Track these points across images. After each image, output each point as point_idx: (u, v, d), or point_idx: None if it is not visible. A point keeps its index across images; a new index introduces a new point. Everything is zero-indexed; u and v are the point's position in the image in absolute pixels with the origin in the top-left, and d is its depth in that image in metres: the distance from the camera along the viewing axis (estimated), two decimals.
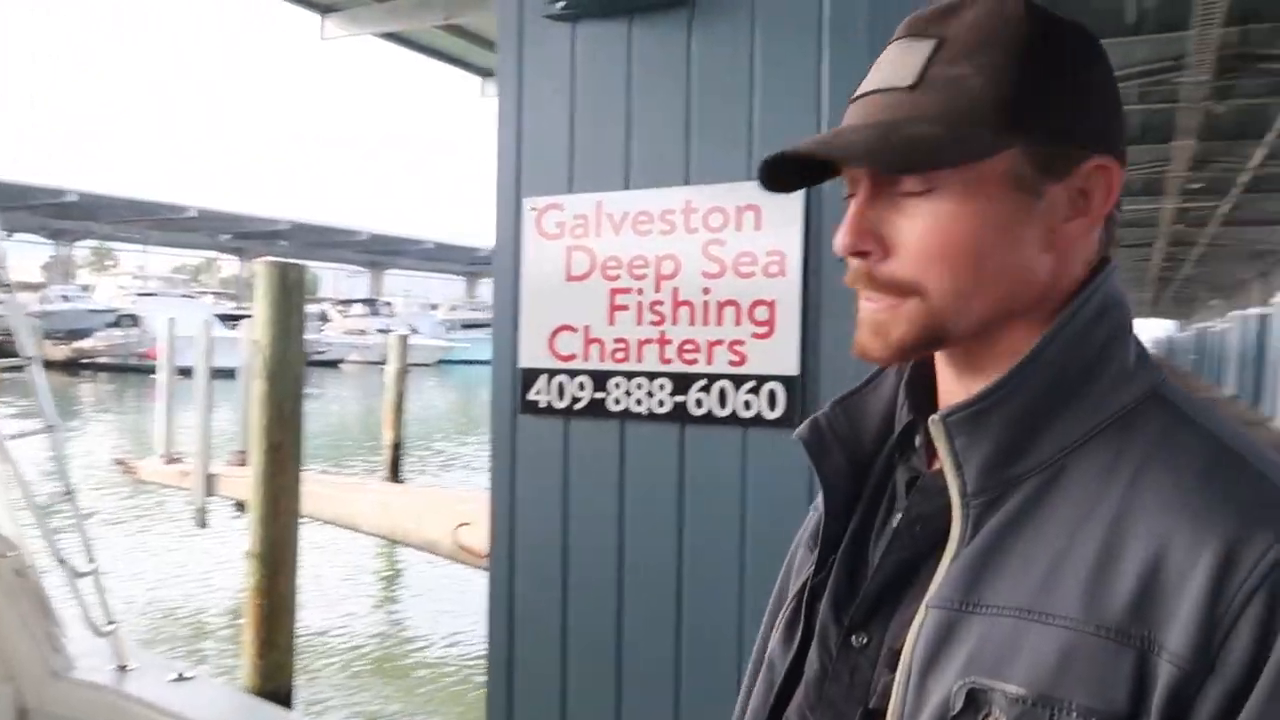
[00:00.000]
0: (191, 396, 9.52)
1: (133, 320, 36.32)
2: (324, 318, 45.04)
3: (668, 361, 2.14)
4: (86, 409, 22.78)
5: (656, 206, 2.15)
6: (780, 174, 0.73)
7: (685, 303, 2.13)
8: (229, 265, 61.45)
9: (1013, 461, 0.67)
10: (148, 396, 17.81)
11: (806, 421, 0.80)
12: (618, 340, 2.20)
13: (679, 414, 2.13)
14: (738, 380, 2.07)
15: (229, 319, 26.71)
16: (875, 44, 1.90)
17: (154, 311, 31.05)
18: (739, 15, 2.07)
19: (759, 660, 0.86)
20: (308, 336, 6.12)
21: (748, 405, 2.06)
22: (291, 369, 5.78)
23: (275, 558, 5.62)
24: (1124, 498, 0.63)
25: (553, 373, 2.27)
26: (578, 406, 2.24)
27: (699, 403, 2.11)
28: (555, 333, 2.27)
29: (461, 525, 6.31)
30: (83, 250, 58.42)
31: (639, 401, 2.17)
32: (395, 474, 12.79)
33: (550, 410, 2.27)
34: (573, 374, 2.25)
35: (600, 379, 2.21)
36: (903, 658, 0.67)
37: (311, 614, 7.19)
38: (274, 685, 5.51)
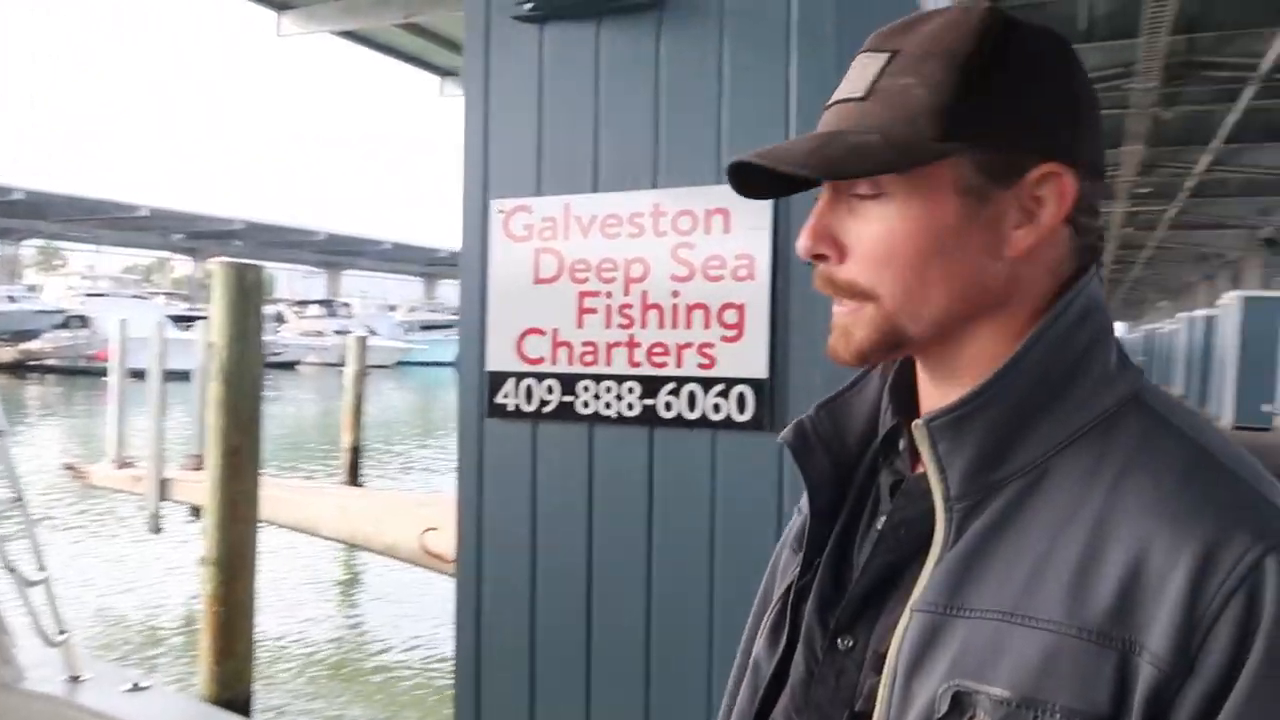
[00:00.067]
0: (144, 399, 9.33)
1: (82, 321, 35.50)
2: (280, 319, 44.42)
3: (637, 365, 2.14)
4: (34, 413, 22.21)
5: (625, 209, 2.15)
6: (755, 182, 0.74)
7: (654, 306, 2.13)
8: (182, 265, 60.33)
9: (995, 466, 0.67)
10: (98, 400, 17.42)
11: (791, 425, 0.80)
12: (586, 343, 2.19)
13: (648, 417, 2.13)
14: (707, 383, 2.08)
15: (182, 320, 26.20)
16: (842, 49, 1.93)
17: (104, 312, 30.39)
18: (708, 19, 2.08)
19: (744, 662, 0.86)
20: (264, 338, 6.02)
21: (717, 408, 2.07)
22: (250, 372, 5.69)
23: (233, 563, 5.52)
24: (1106, 501, 0.64)
25: (521, 376, 2.26)
26: (546, 410, 2.23)
27: (668, 406, 2.11)
28: (523, 336, 2.26)
29: (428, 530, 6.24)
30: (29, 250, 57.03)
31: (608, 405, 2.17)
32: (354, 477, 12.64)
33: (518, 414, 2.26)
34: (541, 377, 2.24)
35: (569, 382, 2.21)
36: (888, 661, 0.68)
37: (270, 619, 7.08)
38: (231, 693, 5.41)
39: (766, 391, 2.02)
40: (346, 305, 50.78)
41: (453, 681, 2.37)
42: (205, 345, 6.84)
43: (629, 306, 2.15)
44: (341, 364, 15.48)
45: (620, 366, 2.16)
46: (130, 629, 7.59)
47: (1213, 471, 0.64)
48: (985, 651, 0.63)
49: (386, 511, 7.10)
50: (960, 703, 0.63)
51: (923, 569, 0.68)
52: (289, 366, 38.43)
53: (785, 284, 2.02)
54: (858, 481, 0.80)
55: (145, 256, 66.62)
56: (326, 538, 7.81)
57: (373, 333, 32.12)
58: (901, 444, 0.77)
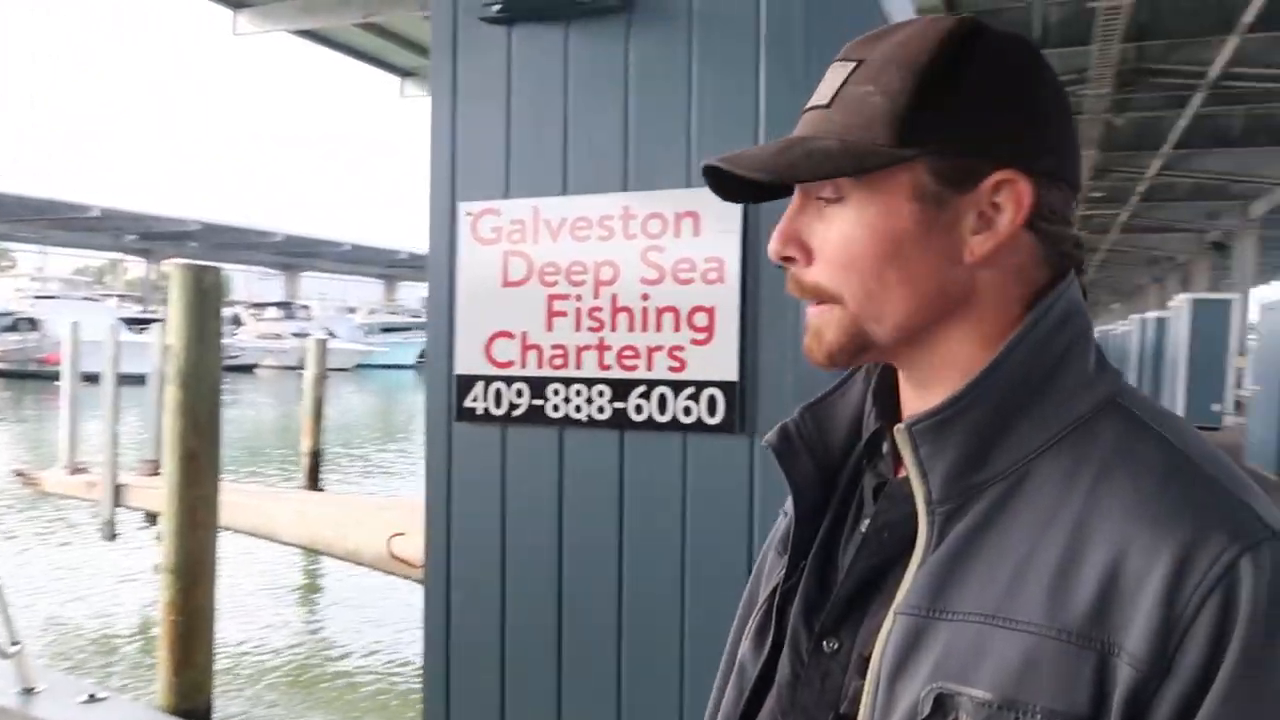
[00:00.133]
0: (97, 404, 9.14)
1: (31, 324, 34.61)
2: (237, 321, 43.67)
3: (607, 368, 2.14)
4: None
5: (595, 212, 2.15)
6: (729, 186, 0.75)
7: (624, 309, 2.13)
8: (135, 267, 59.18)
9: (976, 469, 0.68)
10: (49, 404, 17.01)
11: (775, 428, 0.80)
12: (556, 346, 2.19)
13: (619, 420, 2.13)
14: (677, 386, 2.08)
15: (135, 323, 25.70)
16: (811, 52, 1.94)
17: (55, 315, 29.72)
18: (677, 22, 2.08)
19: (729, 665, 0.87)
20: (221, 341, 5.92)
21: (688, 411, 2.07)
22: (208, 375, 5.59)
23: (192, 571, 5.41)
24: (1085, 504, 0.64)
25: (490, 379, 2.24)
26: (515, 413, 2.22)
27: (639, 409, 2.11)
28: (492, 339, 2.25)
29: (395, 535, 6.18)
30: None
31: (578, 408, 2.16)
32: (314, 482, 12.47)
33: (487, 417, 2.25)
34: (510, 381, 2.23)
35: (538, 386, 2.20)
36: (871, 664, 0.68)
37: (229, 627, 6.96)
38: (191, 704, 5.31)
39: (737, 394, 2.03)
40: (305, 307, 50.08)
41: (417, 686, 2.35)
42: (163, 348, 6.72)
43: (599, 309, 2.15)
44: (300, 367, 15.25)
45: (590, 370, 2.15)
46: (85, 638, 7.42)
47: (1190, 474, 0.65)
48: (967, 654, 0.64)
49: (348, 516, 7.02)
50: (943, 705, 0.64)
51: (906, 572, 0.69)
52: (247, 370, 37.78)
53: (755, 287, 2.03)
54: (842, 484, 0.80)
55: (97, 258, 65.27)
56: (286, 543, 7.70)
57: (332, 335, 31.67)
58: (885, 447, 0.77)
